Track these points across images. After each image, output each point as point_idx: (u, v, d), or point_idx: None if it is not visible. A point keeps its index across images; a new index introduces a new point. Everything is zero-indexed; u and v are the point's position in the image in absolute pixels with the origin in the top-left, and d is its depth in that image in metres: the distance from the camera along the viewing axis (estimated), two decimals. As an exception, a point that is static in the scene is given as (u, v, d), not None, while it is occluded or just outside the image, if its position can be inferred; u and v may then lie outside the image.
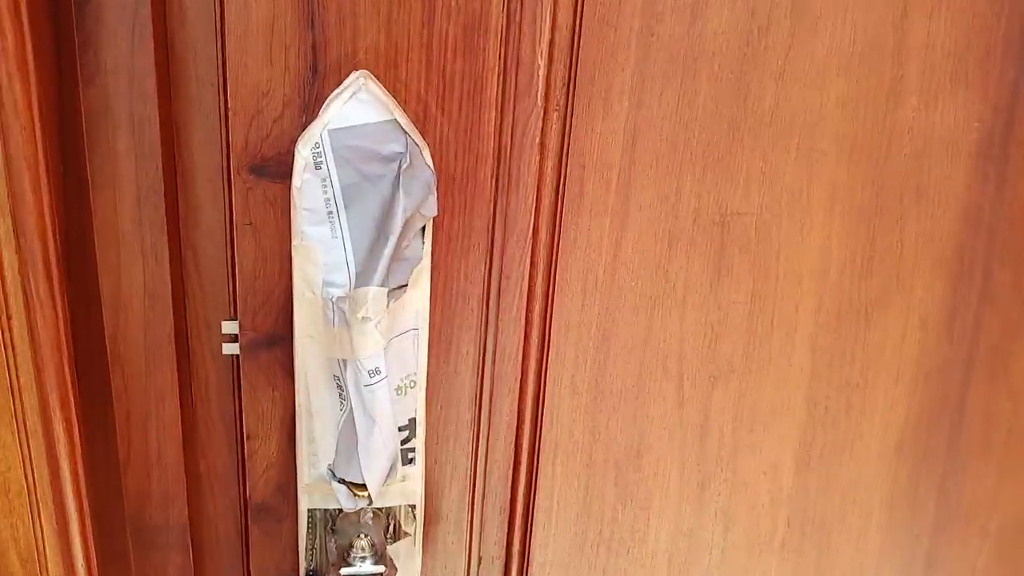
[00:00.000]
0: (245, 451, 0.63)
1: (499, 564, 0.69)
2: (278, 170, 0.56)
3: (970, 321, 0.65)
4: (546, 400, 0.64)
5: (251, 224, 0.58)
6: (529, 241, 0.61)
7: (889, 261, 0.63)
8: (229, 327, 0.61)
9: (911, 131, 0.59)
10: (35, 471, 0.53)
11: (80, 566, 0.57)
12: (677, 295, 0.62)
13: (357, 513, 0.63)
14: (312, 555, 0.65)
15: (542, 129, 0.58)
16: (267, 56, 0.54)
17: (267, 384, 0.61)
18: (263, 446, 0.63)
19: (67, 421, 0.53)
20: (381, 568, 0.60)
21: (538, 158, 0.59)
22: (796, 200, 0.60)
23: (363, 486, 0.59)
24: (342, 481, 0.59)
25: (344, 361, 0.58)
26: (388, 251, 0.55)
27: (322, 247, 0.57)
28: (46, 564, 0.56)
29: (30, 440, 0.52)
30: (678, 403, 0.65)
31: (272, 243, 0.58)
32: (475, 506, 0.67)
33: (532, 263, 0.61)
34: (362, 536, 0.60)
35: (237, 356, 0.62)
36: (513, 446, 0.66)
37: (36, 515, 0.54)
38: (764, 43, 0.56)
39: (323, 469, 0.62)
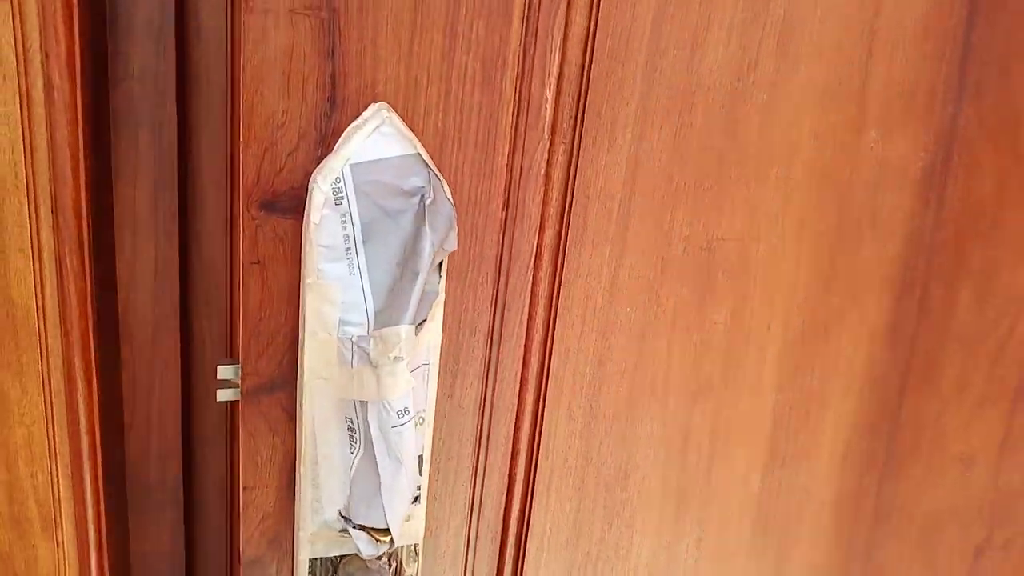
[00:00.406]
0: (240, 503, 0.57)
1: (489, 595, 0.66)
2: (290, 205, 0.52)
3: (908, 334, 0.69)
4: (543, 428, 0.62)
5: (259, 263, 0.52)
6: (531, 271, 0.59)
7: (846, 280, 0.65)
8: (225, 372, 0.55)
9: (869, 161, 0.62)
10: (56, 426, 0.57)
11: (91, 514, 0.60)
12: (667, 319, 0.62)
13: (359, 559, 0.59)
14: (311, 606, 0.59)
15: (548, 161, 0.56)
16: (284, 87, 0.49)
17: (268, 431, 0.56)
18: (260, 496, 0.57)
19: (88, 382, 0.57)
20: (404, 613, 0.56)
21: (543, 189, 0.57)
22: (772, 225, 0.62)
23: (384, 530, 0.54)
24: (361, 527, 0.55)
25: (362, 403, 0.53)
26: (418, 288, 0.51)
27: (339, 285, 0.52)
28: (60, 510, 0.59)
29: (54, 398, 0.56)
30: (663, 422, 0.65)
31: (280, 282, 0.53)
32: (471, 539, 0.64)
33: (533, 293, 0.59)
34: (381, 581, 0.56)
35: (232, 403, 0.56)
36: (507, 476, 0.63)
37: (54, 465, 0.58)
38: (752, 78, 0.58)
39: (328, 516, 0.57)
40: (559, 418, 0.62)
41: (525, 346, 0.60)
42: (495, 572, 0.66)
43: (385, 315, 0.52)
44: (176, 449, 0.64)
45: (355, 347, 0.53)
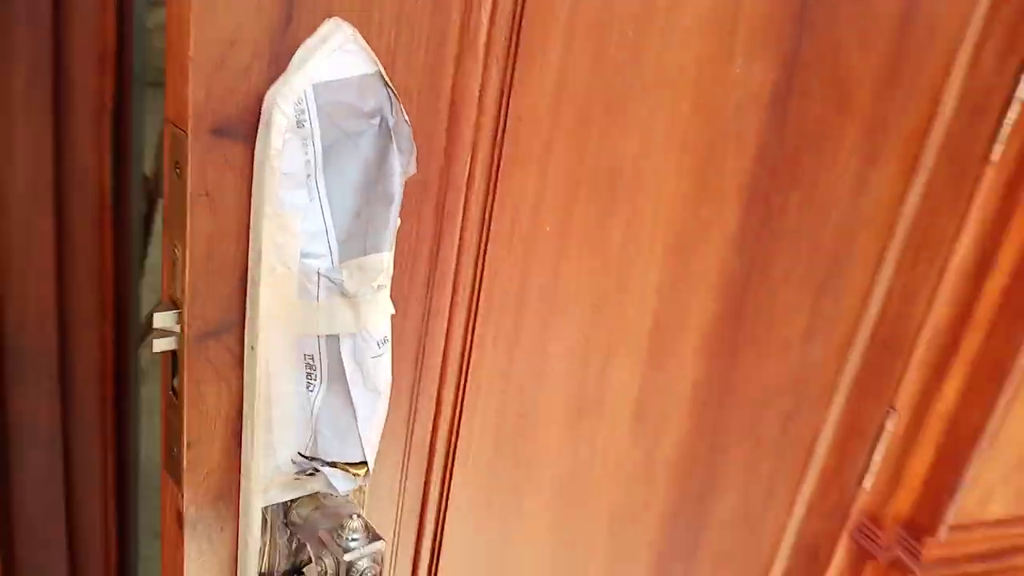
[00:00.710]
0: (184, 462, 0.50)
1: (416, 514, 0.64)
2: (241, 130, 0.45)
3: (752, 238, 0.75)
4: (473, 351, 0.60)
5: (207, 194, 0.45)
6: (463, 195, 0.56)
7: (713, 194, 0.69)
8: (164, 319, 0.48)
9: (736, 85, 0.66)
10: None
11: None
12: (577, 237, 0.62)
13: (311, 499, 0.54)
14: (263, 557, 0.54)
15: (481, 83, 0.54)
16: (238, -2, 0.43)
17: (215, 378, 0.49)
18: (204, 450, 0.50)
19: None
20: (382, 543, 0.52)
21: (475, 113, 0.54)
22: (662, 145, 0.64)
23: (360, 463, 0.50)
24: (333, 464, 0.50)
25: (329, 337, 0.49)
26: (394, 213, 0.47)
27: (300, 214, 0.47)
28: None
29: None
30: (569, 337, 0.66)
31: (229, 215, 0.47)
32: (405, 465, 0.61)
33: (465, 217, 0.57)
34: (353, 517, 0.51)
35: (171, 352, 0.49)
36: (435, 400, 0.61)
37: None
38: (654, 6, 0.59)
39: (281, 460, 0.52)
40: (486, 340, 0.61)
41: (456, 269, 0.58)
42: (422, 496, 0.64)
43: (353, 244, 0.48)
44: (52, 318, 0.63)
45: (322, 279, 0.48)
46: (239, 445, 0.51)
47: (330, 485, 0.51)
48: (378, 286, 0.47)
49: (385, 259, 0.47)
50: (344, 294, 0.47)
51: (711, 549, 0.90)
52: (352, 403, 0.49)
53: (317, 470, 0.51)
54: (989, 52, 0.79)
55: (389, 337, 0.49)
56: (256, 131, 0.45)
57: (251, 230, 0.47)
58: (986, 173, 0.86)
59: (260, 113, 0.45)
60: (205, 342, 0.48)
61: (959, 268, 0.91)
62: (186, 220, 0.45)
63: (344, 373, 0.49)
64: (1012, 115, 0.85)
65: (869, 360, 0.92)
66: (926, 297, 0.93)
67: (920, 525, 1.00)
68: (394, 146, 0.47)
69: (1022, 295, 0.91)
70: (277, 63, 0.45)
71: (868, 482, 1.01)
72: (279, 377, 0.50)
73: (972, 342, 0.94)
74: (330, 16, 0.46)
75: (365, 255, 0.47)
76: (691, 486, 0.84)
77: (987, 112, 0.83)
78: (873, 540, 1.03)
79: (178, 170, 0.46)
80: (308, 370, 0.50)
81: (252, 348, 0.49)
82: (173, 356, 0.50)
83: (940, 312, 0.93)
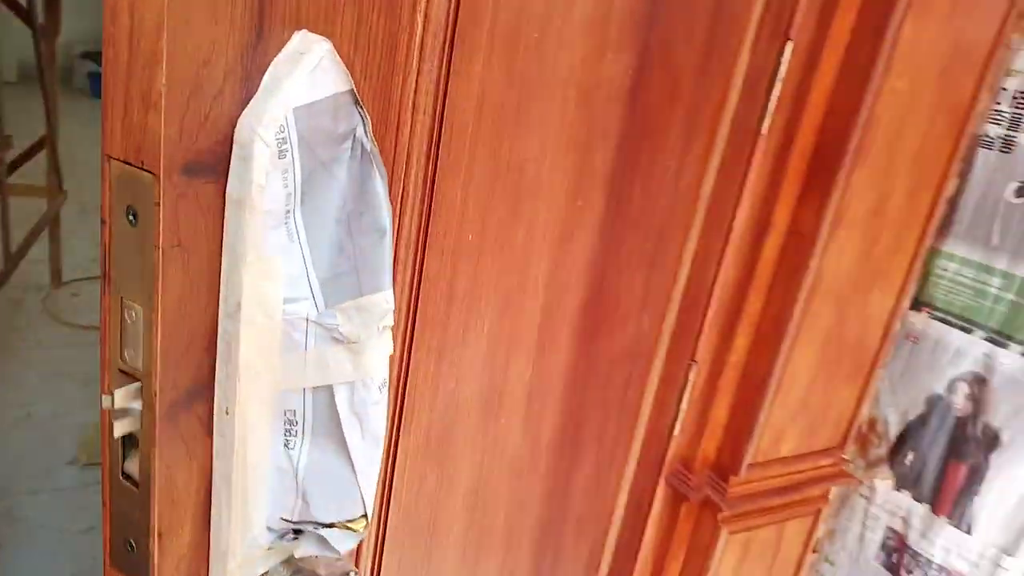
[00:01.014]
0: (154, 557, 0.42)
1: (351, 555, 0.59)
2: (212, 165, 0.38)
3: (609, 225, 0.77)
4: (410, 365, 0.56)
5: (179, 245, 0.38)
6: (398, 211, 0.52)
7: (587, 185, 0.70)
8: (124, 397, 0.39)
9: (607, 80, 0.67)
10: None
11: None
12: (491, 240, 0.60)
13: (283, 567, 0.48)
14: (237, 642, 0.47)
15: (415, 90, 0.50)
16: (212, 11, 0.36)
17: (186, 455, 0.41)
18: (175, 540, 0.42)
19: None
20: (382, 598, 0.47)
21: (410, 121, 0.50)
22: (551, 141, 0.64)
23: (359, 518, 0.45)
24: (331, 525, 0.45)
25: (318, 388, 0.43)
26: (388, 245, 0.43)
27: (280, 256, 0.41)
28: None
29: None
30: (481, 338, 0.64)
31: (202, 265, 0.39)
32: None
33: (398, 235, 0.52)
34: (351, 574, 0.46)
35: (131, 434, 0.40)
36: (372, 431, 0.56)
37: None
38: (550, 11, 0.58)
39: (256, 531, 0.45)
40: (421, 353, 0.57)
41: (398, 282, 0.54)
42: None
43: (342, 283, 0.42)
44: None
45: (311, 326, 0.42)
46: (208, 521, 0.44)
47: (326, 547, 0.45)
48: (383, 327, 0.42)
49: (388, 297, 0.42)
50: (339, 340, 0.42)
51: (573, 516, 0.93)
52: (349, 456, 0.44)
53: (300, 532, 0.46)
54: (764, 36, 0.88)
55: (387, 379, 0.44)
56: (227, 164, 0.38)
57: (224, 280, 0.40)
58: (759, 144, 0.96)
59: (232, 143, 0.38)
60: (175, 414, 0.40)
61: (741, 233, 1.01)
62: (156, 276, 0.37)
63: (336, 424, 0.43)
64: (776, 92, 0.95)
65: (679, 321, 1.00)
66: (716, 260, 1.02)
67: (724, 466, 1.11)
68: (375, 171, 0.42)
69: (794, 260, 1.03)
70: (248, 83, 0.38)
71: (677, 429, 1.10)
72: (256, 439, 0.43)
73: (755, 299, 1.05)
74: (299, 27, 0.40)
75: (362, 295, 0.42)
76: (562, 465, 0.86)
77: (759, 90, 0.92)
78: (685, 483, 1.12)
79: (133, 217, 0.37)
80: (288, 426, 0.44)
81: (227, 412, 0.42)
82: (123, 439, 0.41)
83: (728, 273, 1.03)
